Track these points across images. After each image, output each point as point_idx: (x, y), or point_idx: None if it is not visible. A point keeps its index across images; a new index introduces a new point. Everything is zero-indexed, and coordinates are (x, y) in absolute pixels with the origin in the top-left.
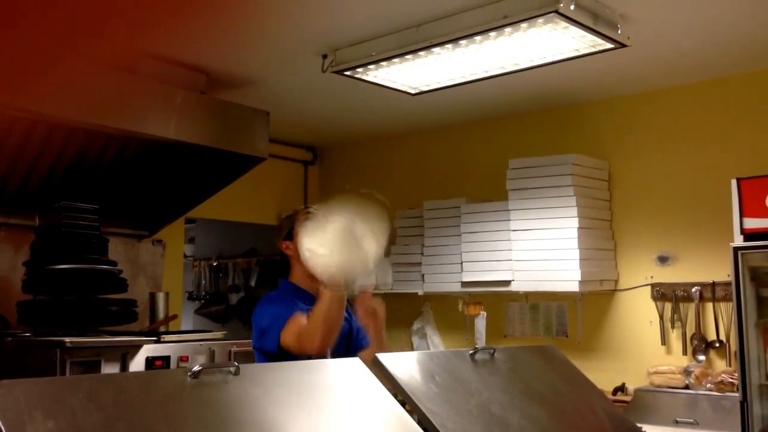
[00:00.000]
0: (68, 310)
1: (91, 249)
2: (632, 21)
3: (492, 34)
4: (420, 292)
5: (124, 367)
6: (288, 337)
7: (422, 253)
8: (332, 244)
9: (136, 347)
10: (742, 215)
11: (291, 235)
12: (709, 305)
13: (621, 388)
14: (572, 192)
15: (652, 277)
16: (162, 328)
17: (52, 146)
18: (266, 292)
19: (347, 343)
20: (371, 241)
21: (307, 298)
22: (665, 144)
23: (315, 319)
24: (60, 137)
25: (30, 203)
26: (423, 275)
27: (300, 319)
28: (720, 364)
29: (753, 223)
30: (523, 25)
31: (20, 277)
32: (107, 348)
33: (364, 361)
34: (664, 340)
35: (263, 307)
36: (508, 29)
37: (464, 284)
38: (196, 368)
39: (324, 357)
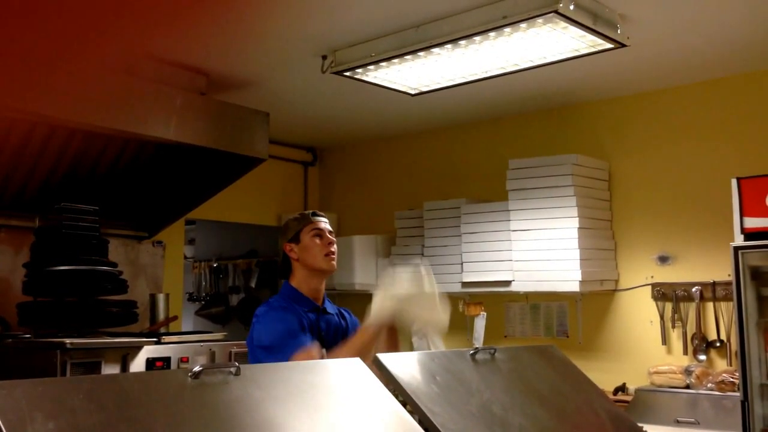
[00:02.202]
0: (68, 311)
1: (91, 250)
2: (632, 21)
3: (491, 34)
4: None
5: (125, 368)
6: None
7: (422, 254)
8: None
9: (137, 348)
10: (742, 215)
11: (297, 239)
12: (710, 305)
13: (622, 388)
14: (572, 192)
15: (652, 276)
16: (162, 329)
17: (52, 148)
18: (267, 297)
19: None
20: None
21: (307, 303)
22: (665, 144)
23: (351, 349)
24: (60, 139)
25: (30, 205)
26: None
27: (313, 352)
28: (721, 364)
29: (753, 223)
30: (523, 25)
31: (20, 279)
32: (108, 349)
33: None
34: (665, 340)
35: (267, 317)
36: (507, 29)
37: (464, 284)
38: (197, 369)
39: None
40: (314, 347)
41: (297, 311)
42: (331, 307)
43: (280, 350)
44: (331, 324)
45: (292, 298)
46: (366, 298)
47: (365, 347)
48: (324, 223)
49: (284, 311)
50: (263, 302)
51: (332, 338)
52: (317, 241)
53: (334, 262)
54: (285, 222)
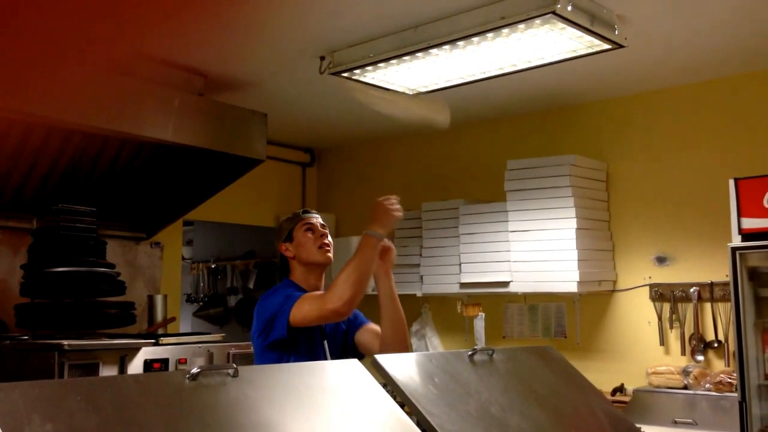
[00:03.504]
0: (66, 313)
1: (89, 252)
2: (629, 22)
3: (489, 35)
4: (418, 294)
5: (123, 369)
6: (305, 305)
7: (421, 255)
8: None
9: (135, 350)
10: (740, 215)
11: (291, 237)
12: (708, 305)
13: (620, 389)
14: (570, 193)
15: (650, 277)
16: (160, 331)
17: (49, 149)
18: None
19: (345, 334)
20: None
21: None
22: (663, 144)
23: (348, 269)
24: (57, 140)
25: (27, 206)
26: (421, 277)
27: (313, 293)
28: (718, 365)
29: (751, 223)
30: (521, 26)
31: (18, 281)
32: (105, 351)
33: (372, 333)
34: (663, 341)
35: (267, 299)
36: (505, 30)
37: (463, 285)
38: (195, 370)
39: (345, 316)
40: (309, 293)
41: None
42: None
43: (282, 311)
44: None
45: (292, 288)
46: (364, 298)
47: (364, 262)
48: (315, 218)
49: (282, 290)
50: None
51: (332, 332)
52: (309, 235)
53: (330, 254)
54: (278, 224)
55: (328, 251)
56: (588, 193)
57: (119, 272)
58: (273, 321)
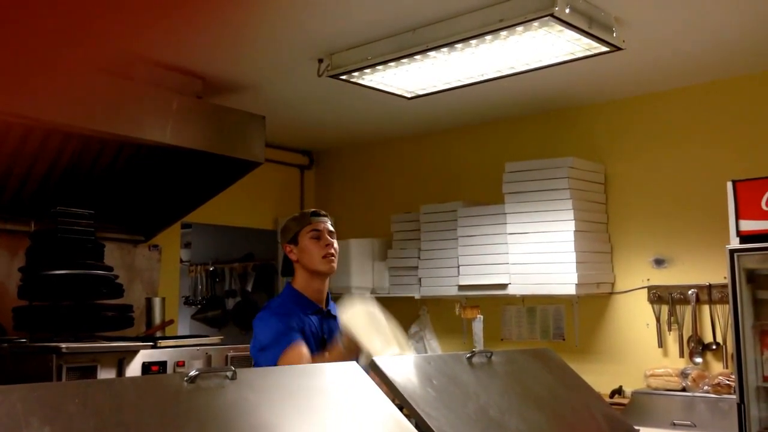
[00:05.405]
0: (64, 315)
1: (87, 254)
2: (627, 24)
3: (488, 37)
4: (417, 296)
5: (121, 372)
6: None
7: (419, 257)
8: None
9: (133, 352)
10: (738, 217)
11: (296, 240)
12: (706, 307)
13: (618, 391)
14: (568, 195)
15: (648, 279)
16: (158, 334)
17: (47, 151)
18: (263, 300)
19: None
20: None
21: (308, 306)
22: (661, 146)
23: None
24: (55, 142)
25: (25, 209)
26: (420, 279)
27: (300, 350)
28: (717, 367)
29: (749, 226)
30: (519, 28)
31: (16, 283)
32: (103, 353)
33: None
34: (661, 343)
35: (265, 320)
36: (503, 33)
37: (461, 288)
38: (193, 373)
39: None
40: (299, 344)
41: (297, 314)
42: (336, 310)
43: (272, 348)
44: (333, 330)
45: (293, 301)
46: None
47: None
48: (324, 222)
49: (281, 310)
50: (265, 305)
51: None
52: (315, 242)
53: (334, 264)
54: (285, 222)
55: (333, 261)
56: (586, 196)
57: (117, 275)
58: (264, 351)
